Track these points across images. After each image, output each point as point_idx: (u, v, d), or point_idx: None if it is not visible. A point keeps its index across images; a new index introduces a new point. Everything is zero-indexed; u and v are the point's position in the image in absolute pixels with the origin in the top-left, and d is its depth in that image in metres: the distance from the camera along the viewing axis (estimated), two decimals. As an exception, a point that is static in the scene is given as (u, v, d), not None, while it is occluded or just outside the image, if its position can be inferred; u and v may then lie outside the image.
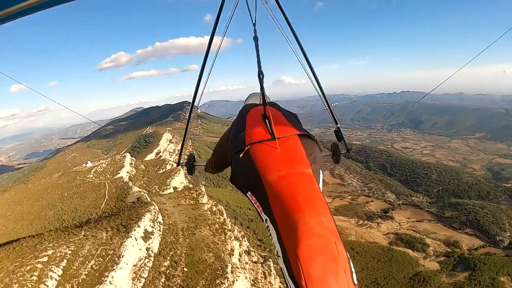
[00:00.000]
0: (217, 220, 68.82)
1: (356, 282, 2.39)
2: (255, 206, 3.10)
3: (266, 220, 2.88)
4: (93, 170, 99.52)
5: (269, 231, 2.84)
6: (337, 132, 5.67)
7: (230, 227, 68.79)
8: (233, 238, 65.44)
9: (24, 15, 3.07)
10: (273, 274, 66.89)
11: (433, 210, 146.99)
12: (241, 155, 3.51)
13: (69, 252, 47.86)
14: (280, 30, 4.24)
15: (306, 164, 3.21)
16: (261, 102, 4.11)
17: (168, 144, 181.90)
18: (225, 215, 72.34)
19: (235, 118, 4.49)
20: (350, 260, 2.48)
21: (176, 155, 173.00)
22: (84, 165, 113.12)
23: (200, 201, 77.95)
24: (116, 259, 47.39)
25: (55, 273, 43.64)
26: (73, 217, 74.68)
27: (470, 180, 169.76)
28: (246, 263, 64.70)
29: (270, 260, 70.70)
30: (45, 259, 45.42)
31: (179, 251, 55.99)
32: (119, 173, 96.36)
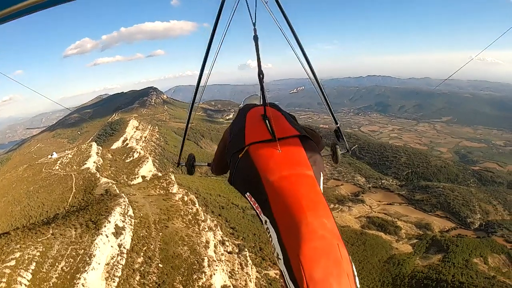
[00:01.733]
0: (190, 210, 67.48)
1: (358, 286, 2.42)
2: (254, 207, 3.10)
3: (265, 221, 2.86)
4: (58, 162, 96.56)
5: (268, 232, 2.80)
6: (337, 132, 5.91)
7: (203, 218, 67.51)
8: (207, 229, 64.29)
9: (23, 15, 3.22)
10: (250, 264, 66.33)
11: (404, 193, 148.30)
12: (240, 155, 3.51)
13: (38, 253, 45.47)
14: (280, 29, 4.33)
15: (307, 166, 3.21)
16: (261, 103, 4.16)
17: (135, 131, 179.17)
18: (197, 205, 71.39)
19: (234, 117, 4.50)
20: (353, 264, 2.51)
21: (143, 142, 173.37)
22: (50, 156, 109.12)
23: (170, 191, 76.63)
24: (87, 259, 45.26)
25: (25, 278, 41.45)
26: (40, 213, 72.04)
27: (438, 163, 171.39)
28: (222, 254, 64.12)
29: (246, 249, 69.96)
30: (13, 263, 43.09)
31: (152, 246, 54.25)
32: (85, 163, 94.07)
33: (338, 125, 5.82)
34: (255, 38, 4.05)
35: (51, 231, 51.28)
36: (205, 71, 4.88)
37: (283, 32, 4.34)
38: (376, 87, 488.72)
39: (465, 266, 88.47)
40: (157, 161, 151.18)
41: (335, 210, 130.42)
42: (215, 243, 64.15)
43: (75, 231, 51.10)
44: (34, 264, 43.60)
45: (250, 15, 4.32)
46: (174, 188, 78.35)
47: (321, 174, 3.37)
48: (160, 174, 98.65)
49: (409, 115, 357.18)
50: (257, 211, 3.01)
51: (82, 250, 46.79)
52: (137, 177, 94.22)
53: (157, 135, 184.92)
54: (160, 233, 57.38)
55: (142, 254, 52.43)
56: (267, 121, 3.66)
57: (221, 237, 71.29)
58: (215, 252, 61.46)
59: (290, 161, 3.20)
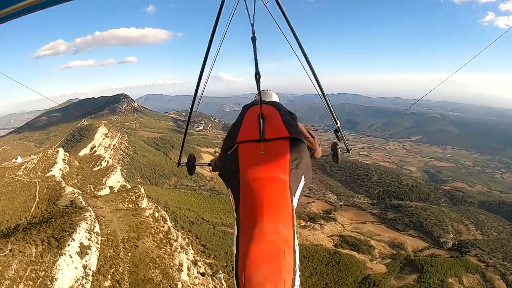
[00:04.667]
0: (161, 228, 64.20)
1: None
2: (232, 203, 3.40)
3: (234, 218, 3.15)
4: (23, 167, 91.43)
5: (235, 229, 3.06)
6: (337, 132, 5.93)
7: (175, 237, 64.00)
8: (179, 249, 61.16)
9: (22, 15, 3.31)
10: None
11: (376, 211, 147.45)
12: (229, 152, 3.87)
13: (-7, 272, 40.93)
14: (280, 29, 4.47)
15: (284, 169, 3.44)
16: (259, 102, 4.18)
17: (104, 139, 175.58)
18: (168, 222, 68.66)
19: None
20: (297, 274, 2.69)
21: (111, 150, 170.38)
22: (14, 160, 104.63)
23: (140, 205, 73.87)
24: (49, 282, 40.88)
25: (-23, 303, 37.02)
26: (0, 222, 67.44)
27: (410, 182, 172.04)
28: (196, 277, 61.54)
29: (220, 272, 67.25)
30: (-36, 282, 38.47)
31: (121, 268, 50.12)
32: (51, 170, 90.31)
33: (339, 124, 5.76)
34: (253, 39, 3.99)
35: (9, 247, 46.53)
36: (205, 72, 4.83)
37: (283, 32, 4.39)
38: (346, 105, 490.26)
39: (440, 286, 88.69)
40: (125, 170, 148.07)
41: (306, 228, 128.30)
42: (188, 265, 60.86)
43: (35, 248, 46.40)
44: (-12, 285, 39.16)
45: (249, 16, 4.37)
46: (144, 202, 75.61)
47: (303, 178, 3.59)
48: (128, 186, 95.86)
49: (379, 134, 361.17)
50: (233, 207, 3.31)
51: (43, 272, 42.27)
52: (105, 188, 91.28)
53: (126, 144, 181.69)
54: (129, 253, 53.40)
55: (109, 277, 48.15)
56: (260, 121, 3.83)
57: (193, 256, 68.43)
58: (188, 275, 58.28)
59: (268, 163, 3.47)
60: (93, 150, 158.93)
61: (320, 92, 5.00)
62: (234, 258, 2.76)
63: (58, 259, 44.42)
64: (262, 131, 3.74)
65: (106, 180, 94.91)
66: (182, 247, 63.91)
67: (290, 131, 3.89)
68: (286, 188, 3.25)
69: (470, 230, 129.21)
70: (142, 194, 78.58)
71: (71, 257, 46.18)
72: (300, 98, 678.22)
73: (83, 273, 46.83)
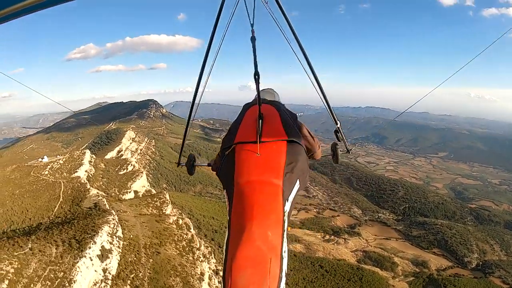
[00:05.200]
0: (184, 236, 63.41)
1: None
2: (226, 205, 3.40)
3: (227, 220, 3.15)
4: (48, 167, 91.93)
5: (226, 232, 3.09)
6: (337, 132, 5.84)
7: (198, 245, 63.04)
8: (202, 258, 60.23)
9: (23, 15, 3.29)
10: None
11: (400, 228, 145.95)
12: (227, 152, 3.89)
13: (12, 270, 40.03)
14: (280, 30, 4.44)
15: (278, 174, 3.41)
16: (258, 103, 4.22)
17: (131, 143, 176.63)
18: (192, 230, 67.64)
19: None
20: (283, 282, 2.74)
21: (138, 154, 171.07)
22: (40, 159, 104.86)
23: (164, 211, 73.07)
24: (67, 284, 40.19)
25: (-7, 297, 36.39)
26: (23, 219, 67.61)
27: (436, 199, 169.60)
28: (216, 287, 59.23)
29: None
30: (-17, 277, 37.74)
31: (141, 274, 49.36)
32: (76, 171, 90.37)
33: (339, 125, 5.68)
34: (253, 39, 3.94)
35: (29, 245, 46.00)
36: (205, 73, 4.79)
37: (283, 32, 4.40)
38: (374, 118, 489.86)
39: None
40: (151, 175, 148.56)
41: (330, 241, 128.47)
42: (209, 275, 59.75)
43: (56, 248, 45.73)
44: (6, 282, 38.38)
45: (249, 16, 4.26)
46: (168, 209, 74.82)
47: (298, 182, 3.57)
48: (153, 191, 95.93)
49: (406, 149, 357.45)
50: (227, 209, 3.30)
51: (62, 273, 41.57)
52: (129, 192, 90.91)
53: (153, 149, 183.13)
54: (151, 260, 52.59)
55: (129, 282, 47.44)
56: (259, 122, 3.85)
57: (215, 265, 67.19)
58: (209, 285, 57.15)
59: (262, 166, 3.45)
60: (120, 153, 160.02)
61: (320, 93, 4.89)
62: (223, 261, 2.79)
63: (78, 261, 43.72)
64: (259, 133, 3.74)
65: (131, 184, 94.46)
66: (204, 256, 62.95)
67: (288, 132, 3.92)
68: (279, 193, 3.22)
69: (495, 250, 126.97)
70: (167, 200, 77.95)
71: (91, 259, 45.46)
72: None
73: (103, 276, 46.12)
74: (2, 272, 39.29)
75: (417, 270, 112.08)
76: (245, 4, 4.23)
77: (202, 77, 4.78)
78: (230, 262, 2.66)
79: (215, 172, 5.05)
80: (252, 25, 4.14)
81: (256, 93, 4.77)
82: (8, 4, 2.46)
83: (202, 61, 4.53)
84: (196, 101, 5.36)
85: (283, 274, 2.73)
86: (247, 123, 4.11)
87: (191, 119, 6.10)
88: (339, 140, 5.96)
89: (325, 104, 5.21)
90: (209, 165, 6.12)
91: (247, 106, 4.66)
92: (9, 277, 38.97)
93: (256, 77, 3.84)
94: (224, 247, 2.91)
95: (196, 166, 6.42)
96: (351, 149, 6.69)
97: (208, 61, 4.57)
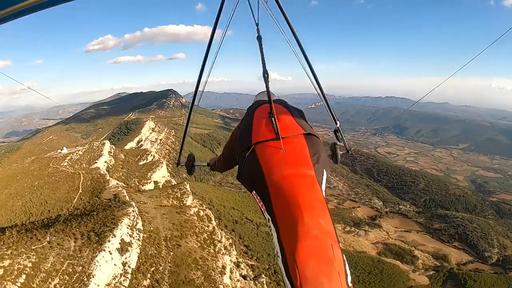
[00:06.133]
0: (205, 228, 62.64)
1: (350, 284, 2.58)
2: (259, 205, 3.28)
3: (268, 219, 3.07)
4: (68, 158, 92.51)
5: (270, 230, 3.00)
6: (337, 132, 5.73)
7: (219, 237, 62.34)
8: (223, 250, 59.31)
9: (23, 15, 3.27)
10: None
11: (421, 220, 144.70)
12: (247, 154, 3.71)
13: (30, 264, 39.31)
14: (280, 29, 4.34)
15: (308, 165, 3.36)
16: (269, 101, 4.07)
17: (151, 133, 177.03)
18: (213, 222, 66.93)
19: (244, 114, 4.60)
20: (346, 263, 2.68)
21: (158, 144, 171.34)
22: (59, 151, 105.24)
23: (184, 202, 72.63)
24: (85, 279, 39.23)
25: (11, 292, 35.50)
26: (42, 211, 68.23)
27: (457, 192, 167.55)
28: (238, 280, 59.39)
29: (263, 276, 65.05)
30: (0, 272, 37.07)
31: (161, 267, 48.68)
32: (96, 162, 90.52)
33: (338, 125, 5.52)
34: (259, 38, 4.15)
35: (48, 238, 45.25)
36: (205, 72, 4.86)
37: (282, 31, 4.28)
38: (394, 109, 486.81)
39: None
40: (171, 165, 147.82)
41: (351, 233, 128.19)
42: (231, 267, 59.01)
43: (74, 242, 44.92)
44: (24, 276, 37.63)
45: (253, 15, 4.49)
46: (189, 200, 74.53)
47: (324, 172, 3.48)
48: (174, 182, 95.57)
49: (426, 140, 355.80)
50: (262, 209, 3.20)
51: (80, 267, 40.72)
52: (149, 182, 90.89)
53: (173, 139, 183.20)
54: (171, 253, 51.95)
55: (149, 275, 46.70)
56: (272, 120, 3.69)
57: (236, 257, 66.50)
58: (230, 278, 56.31)
59: (292, 160, 3.35)
60: (140, 144, 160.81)
61: (319, 91, 4.84)
62: (281, 259, 2.67)
63: (97, 255, 42.86)
64: (276, 129, 3.60)
65: (151, 175, 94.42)
66: (225, 248, 62.23)
67: (303, 126, 3.87)
68: (315, 183, 3.16)
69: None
70: (188, 191, 77.53)
71: (110, 253, 44.67)
72: (348, 101, 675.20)
73: (122, 270, 45.41)
74: (19, 266, 38.64)
75: (437, 264, 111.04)
76: (249, 3, 4.41)
77: (202, 77, 4.84)
78: (291, 258, 2.52)
79: (215, 172, 5.46)
80: (257, 24, 4.35)
81: (256, 93, 5.20)
82: (8, 4, 2.41)
83: (202, 61, 4.59)
84: (196, 102, 5.48)
85: (345, 258, 2.62)
86: (259, 123, 3.92)
87: (190, 119, 6.17)
88: (339, 140, 5.74)
89: (325, 104, 5.11)
90: (208, 164, 6.22)
91: (252, 109, 4.41)
92: (26, 272, 38.30)
93: (266, 76, 3.92)
94: (277, 246, 2.76)
95: (195, 165, 6.49)
96: (351, 149, 6.39)
97: (208, 61, 4.61)
